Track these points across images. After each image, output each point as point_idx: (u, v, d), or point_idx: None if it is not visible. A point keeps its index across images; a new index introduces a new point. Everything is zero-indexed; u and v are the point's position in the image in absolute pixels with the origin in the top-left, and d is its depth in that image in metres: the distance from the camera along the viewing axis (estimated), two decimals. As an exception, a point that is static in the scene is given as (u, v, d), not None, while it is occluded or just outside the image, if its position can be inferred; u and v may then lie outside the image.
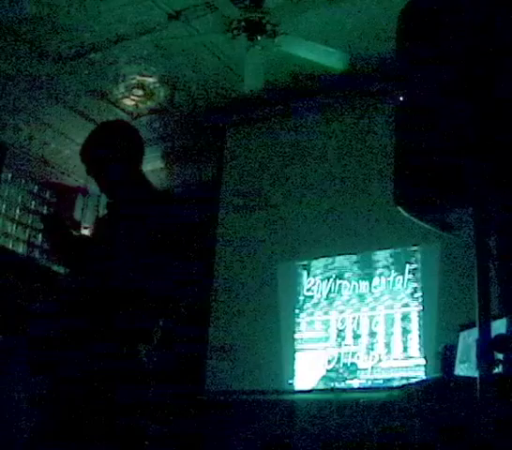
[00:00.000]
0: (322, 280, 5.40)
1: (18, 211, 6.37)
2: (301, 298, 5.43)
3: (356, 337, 5.09)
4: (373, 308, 5.09)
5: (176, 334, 2.38)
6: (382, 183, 5.10)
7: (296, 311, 5.41)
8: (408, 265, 5.06)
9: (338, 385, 5.03)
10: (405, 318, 4.95)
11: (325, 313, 5.29)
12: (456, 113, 1.37)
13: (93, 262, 2.35)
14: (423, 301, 4.90)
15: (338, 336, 5.17)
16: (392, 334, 4.96)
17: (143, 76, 5.68)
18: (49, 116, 6.08)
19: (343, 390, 4.95)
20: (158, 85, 5.80)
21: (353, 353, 5.07)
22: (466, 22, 1.39)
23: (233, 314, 5.63)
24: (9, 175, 6.30)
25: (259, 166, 6.03)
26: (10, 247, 6.18)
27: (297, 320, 5.38)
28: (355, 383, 4.97)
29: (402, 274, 5.07)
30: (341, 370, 5.06)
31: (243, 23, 4.53)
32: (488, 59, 1.36)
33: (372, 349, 5.00)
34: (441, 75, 1.40)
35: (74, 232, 2.90)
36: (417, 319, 4.89)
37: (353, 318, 5.15)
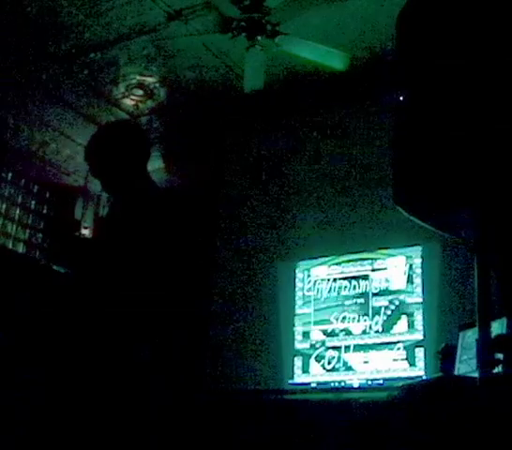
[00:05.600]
0: (321, 280, 5.40)
1: (18, 211, 6.37)
2: (301, 298, 5.43)
3: (356, 336, 5.10)
4: (374, 308, 5.09)
5: (176, 335, 2.37)
6: (382, 183, 5.10)
7: (296, 311, 5.41)
8: (408, 265, 5.06)
9: (337, 385, 5.04)
10: (405, 318, 4.95)
11: (326, 313, 5.29)
12: (455, 114, 1.37)
13: (94, 264, 2.35)
14: (424, 301, 4.90)
15: (337, 335, 5.17)
16: (392, 334, 4.96)
17: (143, 76, 5.68)
18: (49, 116, 6.08)
19: (343, 390, 4.95)
20: (157, 85, 5.80)
21: (353, 352, 5.07)
22: (465, 24, 1.39)
23: (232, 314, 5.63)
24: (9, 175, 6.30)
25: (259, 166, 6.03)
26: (10, 246, 6.18)
27: (297, 320, 5.38)
28: (355, 383, 4.97)
29: (403, 273, 5.07)
30: (341, 369, 5.07)
31: (243, 23, 4.53)
32: (488, 60, 1.36)
33: (372, 348, 5.00)
34: (440, 76, 1.40)
35: (75, 233, 2.91)
36: (417, 319, 4.90)
37: (354, 317, 5.15)
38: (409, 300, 4.96)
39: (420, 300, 4.92)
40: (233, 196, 6.08)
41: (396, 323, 4.96)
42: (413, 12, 1.50)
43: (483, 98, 1.34)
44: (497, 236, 1.48)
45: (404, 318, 4.94)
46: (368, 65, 5.15)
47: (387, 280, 5.11)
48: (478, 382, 1.38)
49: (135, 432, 2.19)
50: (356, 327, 5.11)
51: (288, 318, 5.40)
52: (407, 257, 5.08)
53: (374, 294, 5.12)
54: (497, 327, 2.15)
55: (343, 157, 5.62)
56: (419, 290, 4.95)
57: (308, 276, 5.47)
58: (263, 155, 6.04)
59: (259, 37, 4.56)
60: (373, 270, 5.20)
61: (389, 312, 5.01)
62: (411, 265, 5.05)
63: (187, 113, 6.14)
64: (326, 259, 5.41)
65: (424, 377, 4.59)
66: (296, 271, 5.53)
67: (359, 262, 5.27)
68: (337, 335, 5.17)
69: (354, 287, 5.23)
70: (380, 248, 5.20)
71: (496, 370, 1.39)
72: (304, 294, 5.44)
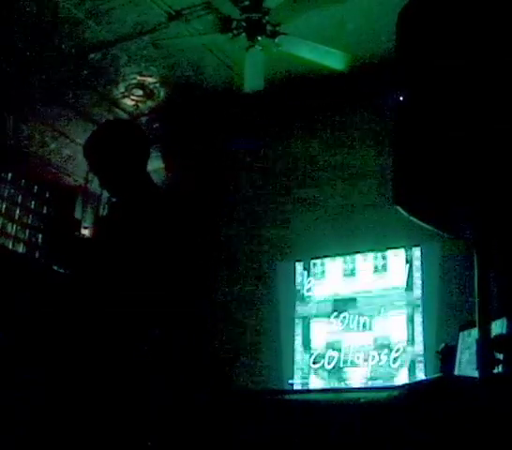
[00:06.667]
0: (322, 280, 5.40)
1: (18, 211, 6.37)
2: (301, 298, 5.43)
3: (356, 336, 5.10)
4: (373, 308, 5.09)
5: (176, 335, 2.37)
6: (382, 182, 5.10)
7: (296, 311, 5.41)
8: (408, 265, 5.06)
9: (337, 385, 5.04)
10: (406, 317, 4.95)
11: (325, 312, 5.29)
12: (455, 114, 1.37)
13: (94, 264, 2.35)
14: (423, 301, 4.90)
15: (337, 335, 5.18)
16: (392, 334, 4.96)
17: (143, 76, 5.68)
18: (49, 116, 6.08)
19: (343, 390, 4.95)
20: (157, 85, 5.80)
21: (353, 353, 5.07)
22: (465, 24, 1.39)
23: (232, 314, 5.63)
24: (9, 175, 6.30)
25: (259, 166, 6.03)
26: (10, 247, 6.17)
27: (297, 320, 5.38)
28: (355, 383, 4.97)
29: (403, 273, 5.07)
30: (340, 370, 5.07)
31: (243, 23, 4.53)
32: (488, 60, 1.36)
33: (372, 348, 5.00)
34: (440, 76, 1.40)
35: (75, 233, 2.91)
36: (417, 318, 4.90)
37: (353, 317, 5.15)
38: (409, 299, 4.96)
39: (420, 301, 4.92)
40: (233, 196, 6.08)
41: (395, 327, 4.96)
42: (413, 12, 1.50)
43: (483, 99, 1.34)
44: (497, 236, 1.48)
45: (403, 319, 4.94)
46: (368, 65, 5.15)
47: (387, 281, 5.11)
48: (478, 382, 1.38)
49: (135, 432, 2.19)
50: (356, 326, 5.11)
51: (288, 317, 5.40)
52: (407, 257, 5.08)
53: (374, 294, 5.12)
54: (497, 327, 2.15)
55: (344, 156, 5.62)
56: (419, 291, 4.95)
57: (308, 276, 5.47)
58: (263, 155, 6.04)
59: (259, 38, 4.56)
60: (373, 270, 5.20)
61: (388, 314, 5.02)
62: (411, 266, 5.05)
63: (187, 113, 6.14)
64: (326, 259, 5.41)
65: (424, 377, 4.59)
66: (296, 271, 5.53)
67: (359, 263, 5.27)
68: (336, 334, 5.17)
69: (354, 287, 5.22)
70: (380, 249, 5.20)
71: (496, 370, 1.39)
72: (304, 294, 5.44)
